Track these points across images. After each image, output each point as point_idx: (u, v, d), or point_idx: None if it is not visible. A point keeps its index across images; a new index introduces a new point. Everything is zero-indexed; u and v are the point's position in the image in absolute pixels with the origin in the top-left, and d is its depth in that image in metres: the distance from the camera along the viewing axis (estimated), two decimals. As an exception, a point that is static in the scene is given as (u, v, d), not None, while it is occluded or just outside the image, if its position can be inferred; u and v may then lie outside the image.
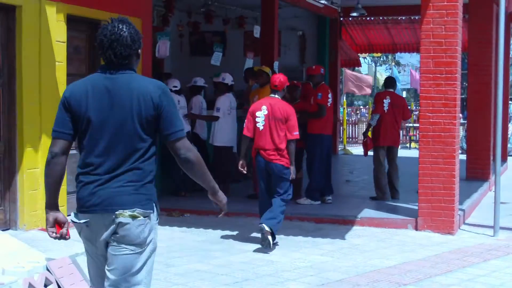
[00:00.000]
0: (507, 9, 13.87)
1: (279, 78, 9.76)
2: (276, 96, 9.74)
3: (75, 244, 7.45)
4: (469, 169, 15.45)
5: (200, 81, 14.05)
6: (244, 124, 9.71)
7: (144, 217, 4.34)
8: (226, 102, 13.15)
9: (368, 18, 22.21)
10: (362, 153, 13.60)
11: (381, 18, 22.61)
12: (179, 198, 12.83)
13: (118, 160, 4.33)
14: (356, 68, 27.49)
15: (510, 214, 12.06)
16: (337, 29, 21.22)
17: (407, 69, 47.19)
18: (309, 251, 9.27)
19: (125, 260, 4.34)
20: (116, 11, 11.26)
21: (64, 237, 4.47)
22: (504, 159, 18.93)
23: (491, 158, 15.20)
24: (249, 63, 16.27)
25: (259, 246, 9.26)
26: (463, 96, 24.77)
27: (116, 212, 4.28)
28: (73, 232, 4.39)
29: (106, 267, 4.39)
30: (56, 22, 10.04)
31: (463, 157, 13.13)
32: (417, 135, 11.62)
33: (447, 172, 10.32)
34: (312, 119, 12.14)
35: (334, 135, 12.29)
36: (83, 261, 6.29)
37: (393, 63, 48.78)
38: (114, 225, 4.31)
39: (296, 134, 9.46)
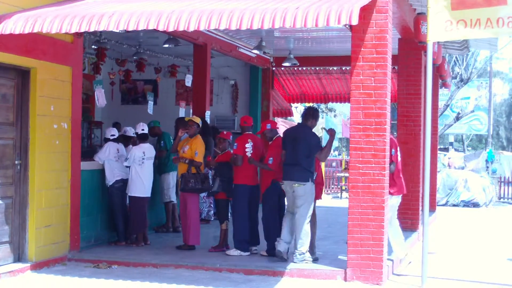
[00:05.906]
0: (434, 61, 14.13)
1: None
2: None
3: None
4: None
5: (130, 131, 13.90)
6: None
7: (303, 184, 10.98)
8: (136, 152, 13.01)
9: (300, 68, 22.41)
10: None
11: (313, 68, 22.81)
12: (112, 248, 12.55)
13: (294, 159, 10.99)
14: (289, 117, 27.57)
15: (438, 264, 12.16)
16: (270, 79, 21.33)
17: (339, 118, 47.63)
18: (238, 303, 9.18)
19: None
20: (46, 59, 11.14)
21: None
22: (432, 209, 19.11)
23: (420, 208, 15.34)
24: (181, 112, 16.26)
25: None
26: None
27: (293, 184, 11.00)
28: None
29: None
30: (-18, 70, 9.88)
31: (393, 207, 13.14)
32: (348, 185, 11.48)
33: (376, 223, 10.35)
34: (235, 170, 12.13)
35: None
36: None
37: (326, 111, 49.11)
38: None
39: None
